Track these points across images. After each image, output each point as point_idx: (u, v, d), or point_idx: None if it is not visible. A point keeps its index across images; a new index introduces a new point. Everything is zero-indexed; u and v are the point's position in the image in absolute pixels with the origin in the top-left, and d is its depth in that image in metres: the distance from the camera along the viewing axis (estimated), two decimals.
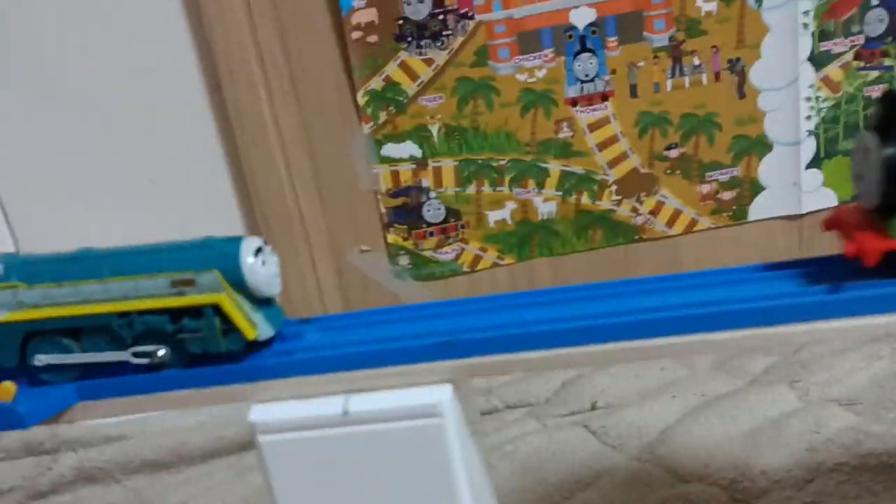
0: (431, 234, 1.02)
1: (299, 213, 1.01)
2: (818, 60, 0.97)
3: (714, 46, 0.96)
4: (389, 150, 0.99)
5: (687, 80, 0.97)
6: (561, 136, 0.99)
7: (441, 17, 0.94)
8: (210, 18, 0.93)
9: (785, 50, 0.96)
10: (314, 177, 1.00)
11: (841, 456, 0.73)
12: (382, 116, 0.97)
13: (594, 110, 0.98)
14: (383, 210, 1.02)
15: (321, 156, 1.00)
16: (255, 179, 0.99)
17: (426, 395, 0.47)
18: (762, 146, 1.00)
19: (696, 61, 0.96)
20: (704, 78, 0.97)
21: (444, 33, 0.95)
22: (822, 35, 0.96)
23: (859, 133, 0.45)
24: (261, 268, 0.50)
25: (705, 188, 1.02)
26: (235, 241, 0.50)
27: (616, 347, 0.47)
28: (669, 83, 0.97)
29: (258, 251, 0.50)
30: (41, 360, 0.51)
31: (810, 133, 1.00)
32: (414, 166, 1.00)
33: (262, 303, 0.51)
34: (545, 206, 1.02)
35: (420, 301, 1.03)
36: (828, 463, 0.73)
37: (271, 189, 0.99)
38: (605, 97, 0.98)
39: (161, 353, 0.50)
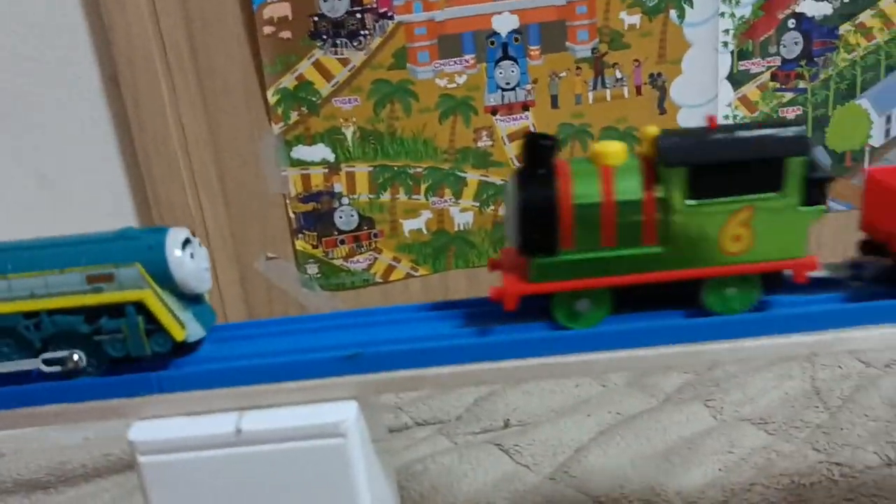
0: (342, 241, 0.98)
1: (202, 215, 0.95)
2: (736, 79, 0.98)
3: (636, 60, 0.95)
4: (300, 152, 0.95)
5: (608, 92, 0.96)
6: (480, 144, 0.96)
7: (359, 15, 0.90)
8: (108, 4, 0.87)
9: (705, 67, 0.96)
10: (219, 178, 0.95)
11: (754, 477, 0.73)
12: (294, 117, 0.93)
13: (514, 120, 0.96)
14: (292, 215, 0.97)
15: (227, 156, 0.95)
16: (154, 180, 0.93)
17: (328, 413, 0.43)
18: None
19: (619, 74, 0.95)
20: (626, 91, 0.96)
21: (362, 33, 0.91)
22: (742, 55, 0.97)
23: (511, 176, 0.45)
24: (189, 261, 0.44)
25: None
26: (160, 232, 0.44)
27: (534, 363, 0.45)
28: (591, 95, 0.96)
29: (186, 243, 0.44)
30: None
31: None
32: (326, 170, 0.95)
33: (191, 300, 0.46)
34: (462, 216, 0.99)
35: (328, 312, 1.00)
36: (742, 483, 0.72)
37: (172, 190, 0.94)
38: (525, 107, 0.96)
39: (76, 357, 0.44)
